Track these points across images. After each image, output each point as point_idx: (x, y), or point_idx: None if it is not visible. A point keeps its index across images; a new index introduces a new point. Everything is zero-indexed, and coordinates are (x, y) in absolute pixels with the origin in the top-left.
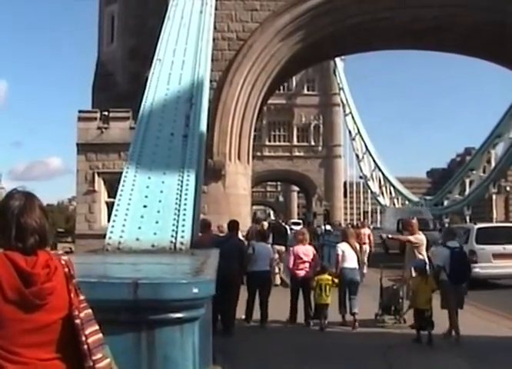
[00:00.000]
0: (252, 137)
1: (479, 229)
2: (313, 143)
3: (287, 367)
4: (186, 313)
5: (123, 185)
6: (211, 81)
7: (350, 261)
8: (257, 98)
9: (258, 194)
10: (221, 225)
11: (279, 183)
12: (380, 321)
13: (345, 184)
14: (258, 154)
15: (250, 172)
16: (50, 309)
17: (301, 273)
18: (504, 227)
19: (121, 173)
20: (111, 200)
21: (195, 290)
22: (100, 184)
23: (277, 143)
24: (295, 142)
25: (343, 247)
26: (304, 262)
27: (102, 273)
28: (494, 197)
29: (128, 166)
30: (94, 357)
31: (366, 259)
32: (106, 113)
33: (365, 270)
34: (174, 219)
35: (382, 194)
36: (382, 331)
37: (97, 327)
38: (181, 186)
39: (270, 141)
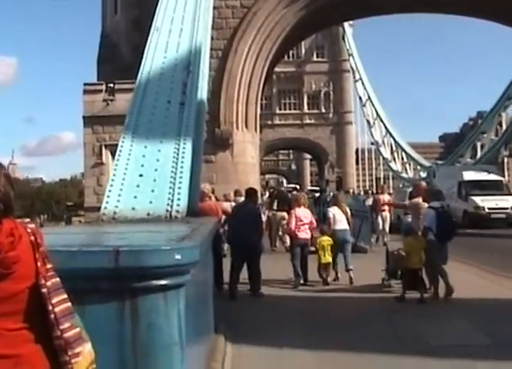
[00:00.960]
0: (259, 105)
1: None
2: (323, 110)
3: (294, 338)
4: (169, 280)
5: (119, 155)
6: (215, 49)
7: (340, 223)
8: (263, 66)
9: (271, 163)
10: (228, 194)
11: (291, 151)
12: (386, 286)
13: (357, 150)
14: (269, 122)
15: (258, 140)
16: (17, 278)
17: (302, 234)
18: None
19: None
20: None
21: (178, 257)
22: (107, 157)
23: (288, 111)
24: (306, 110)
25: (333, 211)
26: (304, 224)
27: (85, 242)
28: (506, 159)
29: (125, 135)
30: (61, 327)
31: (387, 227)
32: (111, 85)
33: (386, 239)
34: (170, 187)
35: (394, 159)
36: (388, 296)
37: (65, 296)
38: (178, 154)
39: (280, 109)
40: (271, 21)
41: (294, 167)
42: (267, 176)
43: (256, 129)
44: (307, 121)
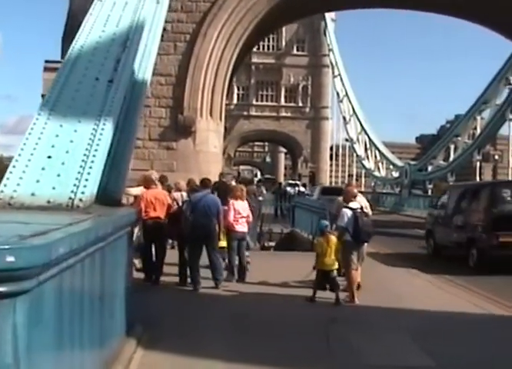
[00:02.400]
0: (225, 93)
1: None
2: (300, 104)
3: (216, 346)
4: None
5: (29, 133)
6: (183, 33)
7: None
8: (232, 53)
9: (245, 154)
10: (178, 182)
11: (266, 143)
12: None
13: (332, 147)
14: (245, 113)
15: (222, 129)
16: None
17: (240, 228)
18: None
19: None
20: None
21: (10, 259)
22: None
23: (265, 103)
24: (283, 102)
25: None
26: (243, 217)
27: None
28: (479, 164)
29: (40, 112)
30: None
31: None
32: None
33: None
34: (79, 172)
35: (367, 157)
36: (326, 300)
37: None
38: (95, 136)
39: (257, 100)
40: (244, 7)
41: (268, 159)
42: (241, 167)
43: (221, 118)
44: (284, 114)
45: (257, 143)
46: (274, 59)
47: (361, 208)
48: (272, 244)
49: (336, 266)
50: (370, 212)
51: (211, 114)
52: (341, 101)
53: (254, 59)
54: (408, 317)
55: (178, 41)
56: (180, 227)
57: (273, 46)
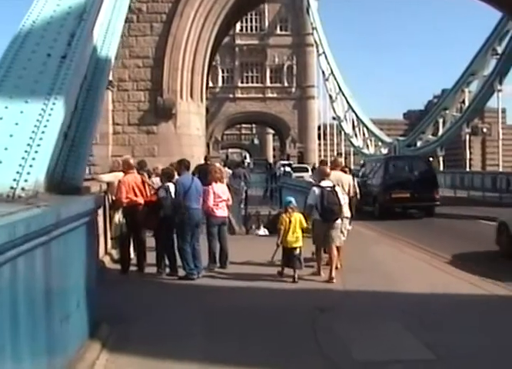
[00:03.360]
0: (206, 73)
1: None
2: (286, 84)
3: (192, 344)
4: None
5: None
6: (159, 13)
7: None
8: (211, 32)
9: (233, 137)
10: (157, 167)
11: (254, 125)
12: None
13: (319, 126)
14: (231, 95)
15: (203, 111)
16: None
17: (220, 212)
18: None
19: None
20: None
21: None
22: None
23: (250, 84)
24: (268, 83)
25: None
26: (223, 201)
27: None
28: (468, 137)
29: None
30: None
31: None
32: None
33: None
34: (23, 158)
35: (355, 135)
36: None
37: None
38: (43, 117)
39: (242, 82)
40: None
41: (256, 141)
42: (229, 150)
43: (202, 99)
44: (270, 95)
45: (244, 125)
46: (257, 40)
47: (333, 187)
48: (259, 231)
49: (299, 243)
50: (357, 191)
51: (191, 96)
52: (327, 80)
53: (238, 41)
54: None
55: (154, 21)
56: (158, 214)
57: (256, 27)
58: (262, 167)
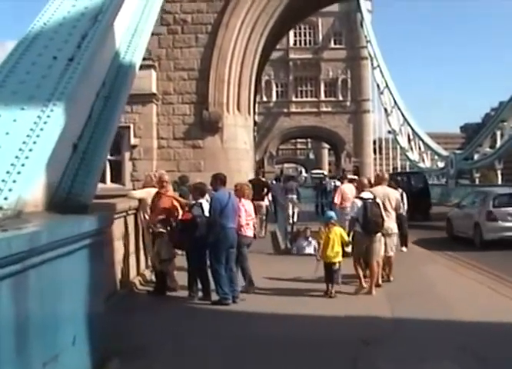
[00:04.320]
0: (253, 86)
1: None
2: (341, 98)
3: None
4: None
5: None
6: (204, 24)
7: None
8: (258, 43)
9: (288, 152)
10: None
11: (309, 140)
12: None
13: (375, 141)
14: (285, 110)
15: (251, 124)
16: None
17: (249, 232)
18: None
19: None
20: None
21: None
22: None
23: (304, 99)
24: (322, 97)
25: None
26: (252, 219)
27: None
28: None
29: None
30: None
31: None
32: None
33: None
34: (8, 173)
35: (411, 149)
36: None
37: None
38: (37, 126)
39: (297, 96)
40: None
41: (312, 156)
42: (285, 165)
43: (249, 112)
44: (324, 109)
45: (299, 140)
46: (311, 54)
47: (374, 198)
48: (307, 250)
49: (339, 258)
50: (404, 207)
51: (238, 109)
52: (382, 93)
53: (292, 55)
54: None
55: (199, 32)
56: (192, 233)
57: (310, 41)
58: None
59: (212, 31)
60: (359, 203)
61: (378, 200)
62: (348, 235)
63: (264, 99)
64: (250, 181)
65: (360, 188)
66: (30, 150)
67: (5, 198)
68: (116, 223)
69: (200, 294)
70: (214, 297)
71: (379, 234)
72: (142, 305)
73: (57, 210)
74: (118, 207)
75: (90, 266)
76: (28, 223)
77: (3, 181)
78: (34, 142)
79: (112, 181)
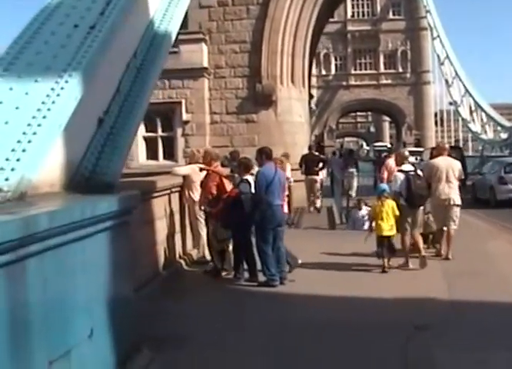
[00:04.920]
0: (308, 57)
1: None
2: (400, 70)
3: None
4: None
5: None
6: None
7: None
8: (311, 13)
9: (348, 126)
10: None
11: (369, 113)
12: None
13: (436, 113)
14: (344, 83)
15: (306, 97)
16: None
17: (285, 208)
18: None
19: (159, 104)
20: (150, 134)
21: None
22: None
23: (364, 71)
24: (382, 70)
25: None
26: (286, 196)
27: None
28: None
29: None
30: None
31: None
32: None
33: None
34: (13, 150)
35: (473, 120)
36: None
37: None
38: (50, 99)
39: (355, 69)
40: None
41: (372, 129)
42: (345, 139)
43: (304, 84)
44: (384, 82)
45: (359, 113)
46: (370, 26)
47: (415, 171)
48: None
49: (393, 232)
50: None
51: (292, 81)
52: (442, 64)
53: (350, 27)
54: None
55: (251, 3)
56: (239, 211)
57: (368, 12)
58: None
59: (264, 1)
60: (401, 176)
61: (419, 172)
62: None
63: (323, 72)
64: (303, 156)
65: (399, 161)
66: (39, 125)
67: (6, 179)
68: (157, 201)
69: (246, 274)
70: (262, 278)
71: (422, 207)
72: (184, 287)
73: (77, 190)
74: (158, 184)
75: (111, 250)
76: (30, 206)
77: (7, 159)
78: (44, 117)
79: (165, 157)
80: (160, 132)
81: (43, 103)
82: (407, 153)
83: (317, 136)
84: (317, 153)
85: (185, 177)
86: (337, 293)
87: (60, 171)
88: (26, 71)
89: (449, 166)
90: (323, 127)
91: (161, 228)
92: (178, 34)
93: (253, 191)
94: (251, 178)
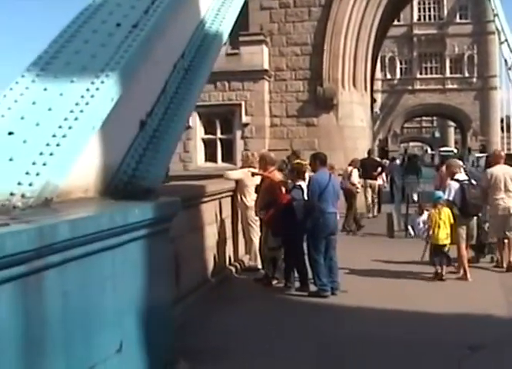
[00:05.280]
0: (370, 61)
1: None
2: (467, 74)
3: None
4: None
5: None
6: None
7: None
8: (374, 15)
9: (413, 130)
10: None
11: (435, 118)
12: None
13: (502, 118)
14: (409, 87)
15: (368, 101)
16: None
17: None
18: None
19: (219, 106)
20: (209, 136)
21: None
22: (195, 119)
23: (429, 75)
24: (448, 74)
25: None
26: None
27: None
28: None
29: (25, 73)
30: None
31: None
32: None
33: None
34: (41, 154)
35: None
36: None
37: None
38: (83, 101)
39: (421, 73)
40: None
41: (437, 134)
42: (410, 144)
43: (366, 88)
44: (450, 86)
45: (424, 118)
46: (436, 29)
47: (469, 180)
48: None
49: (448, 240)
50: None
51: (354, 85)
52: (510, 69)
53: (416, 31)
54: None
55: (312, 5)
56: (290, 218)
57: (434, 16)
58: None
59: (326, 3)
60: (456, 185)
61: (473, 181)
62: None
63: (388, 76)
64: (362, 160)
65: (451, 172)
66: (70, 128)
67: (30, 184)
68: (207, 206)
69: (297, 284)
70: (313, 287)
71: (475, 218)
72: (232, 295)
73: (113, 196)
74: (208, 189)
75: (146, 259)
76: (52, 214)
77: (33, 164)
78: (76, 118)
79: (223, 160)
80: (219, 134)
81: (76, 104)
82: (459, 162)
83: (381, 141)
84: (378, 158)
85: (238, 182)
86: (389, 305)
87: (95, 175)
88: (63, 71)
89: (506, 174)
90: (387, 131)
91: (211, 234)
92: (239, 35)
93: (306, 197)
94: (304, 184)
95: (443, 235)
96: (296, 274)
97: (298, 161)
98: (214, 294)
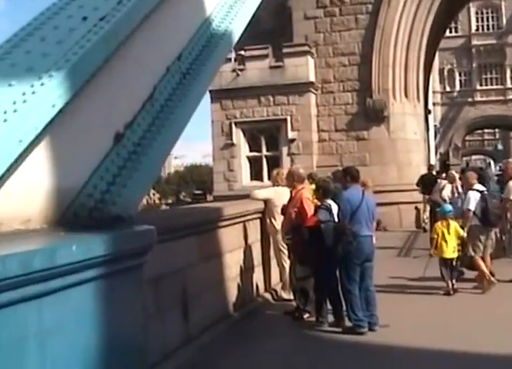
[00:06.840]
0: (422, 70)
1: None
2: None
3: None
4: None
5: None
6: (364, 3)
7: None
8: (425, 21)
9: (475, 143)
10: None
11: (497, 130)
12: None
13: None
14: (469, 99)
15: (422, 112)
16: None
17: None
18: None
19: (263, 121)
20: (254, 154)
21: None
22: (239, 136)
23: (490, 86)
24: (509, 84)
25: None
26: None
27: None
28: None
29: None
30: None
31: None
32: (241, 52)
33: None
34: None
35: None
36: None
37: None
38: (12, 108)
39: (481, 85)
40: None
41: (500, 147)
42: (472, 157)
43: (418, 98)
44: (511, 97)
45: (486, 130)
46: (495, 39)
47: (487, 190)
48: None
49: (456, 254)
50: None
51: (405, 95)
52: None
53: (474, 41)
54: None
55: (359, 13)
56: (319, 244)
57: (493, 25)
58: None
59: (373, 10)
60: (477, 195)
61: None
62: (462, 228)
63: (447, 89)
64: (422, 176)
65: (468, 182)
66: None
67: None
68: (227, 231)
69: (330, 317)
70: (348, 322)
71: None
72: (256, 331)
73: (69, 226)
74: (227, 211)
75: (103, 305)
76: None
77: None
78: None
79: (270, 178)
80: (264, 151)
81: (5, 112)
82: (474, 174)
83: (442, 154)
84: (437, 173)
85: (266, 202)
86: (440, 345)
87: (43, 200)
88: (4, 74)
89: None
90: (448, 145)
91: (233, 262)
92: (283, 47)
93: (336, 219)
94: (333, 204)
95: (451, 248)
96: (329, 307)
97: (324, 178)
98: (235, 331)
